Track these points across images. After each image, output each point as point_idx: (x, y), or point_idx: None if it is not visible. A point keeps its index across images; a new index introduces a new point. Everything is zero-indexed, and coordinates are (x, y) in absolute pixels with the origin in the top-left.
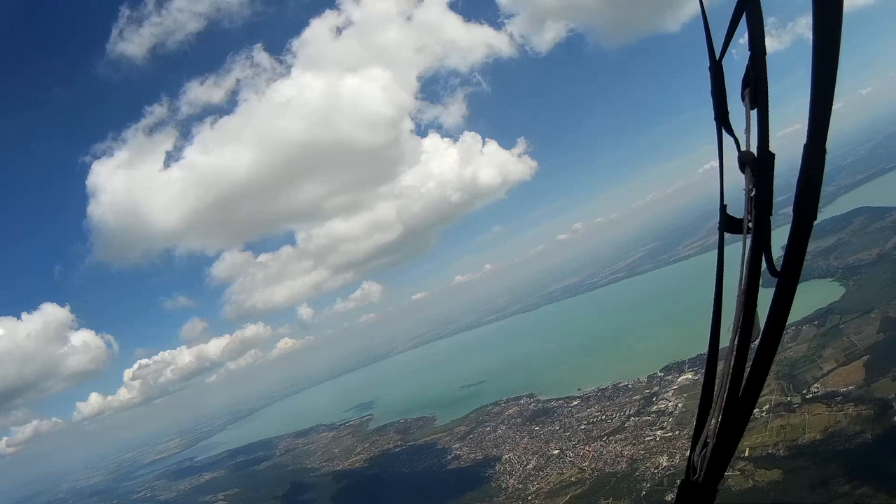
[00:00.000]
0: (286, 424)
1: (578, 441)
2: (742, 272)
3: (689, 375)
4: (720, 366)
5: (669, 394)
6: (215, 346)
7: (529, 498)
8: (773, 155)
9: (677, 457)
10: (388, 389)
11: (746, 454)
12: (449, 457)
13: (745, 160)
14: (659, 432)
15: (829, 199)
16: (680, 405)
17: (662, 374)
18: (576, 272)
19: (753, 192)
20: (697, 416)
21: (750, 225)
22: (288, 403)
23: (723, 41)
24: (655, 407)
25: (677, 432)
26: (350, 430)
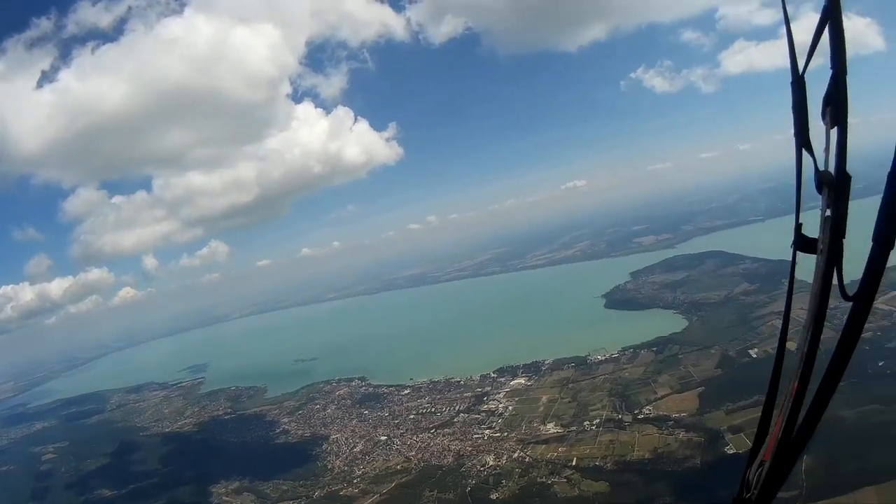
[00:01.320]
0: (120, 378)
1: (407, 430)
2: (813, 293)
3: (521, 380)
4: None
5: (501, 395)
6: (58, 287)
7: (355, 481)
8: (849, 177)
9: (504, 457)
10: (222, 354)
11: (574, 463)
12: (277, 430)
13: (822, 180)
14: (487, 431)
15: (687, 237)
16: (510, 407)
17: (495, 375)
18: (422, 263)
19: (829, 213)
20: (756, 433)
21: (823, 247)
22: (124, 356)
23: (806, 56)
24: (486, 406)
25: (506, 433)
26: (182, 391)
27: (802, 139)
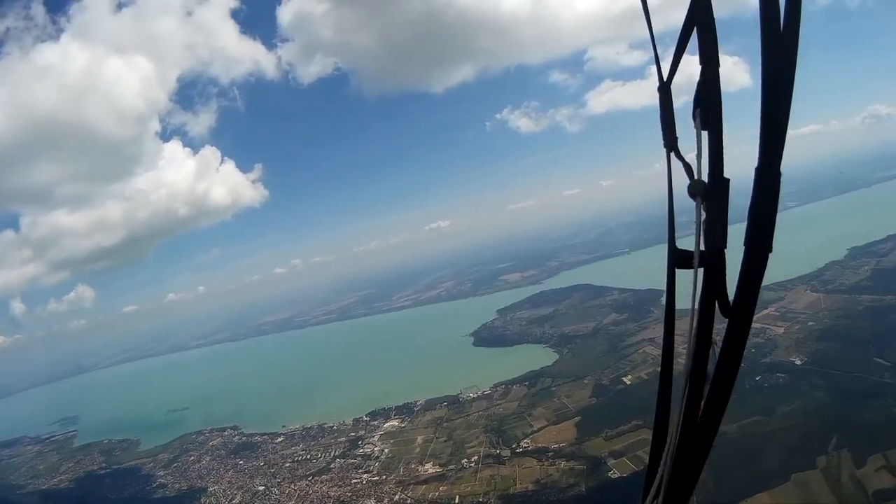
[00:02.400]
0: None
1: (284, 479)
2: (693, 311)
3: (395, 422)
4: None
5: (375, 438)
6: None
7: None
8: (727, 181)
9: (385, 500)
10: (93, 404)
11: (457, 501)
12: (154, 484)
13: (695, 189)
14: (365, 475)
15: (553, 272)
16: (386, 450)
17: (368, 418)
18: (288, 307)
19: (704, 223)
20: (649, 463)
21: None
22: None
23: (671, 61)
24: (361, 450)
25: (384, 476)
26: (55, 445)
27: (671, 146)
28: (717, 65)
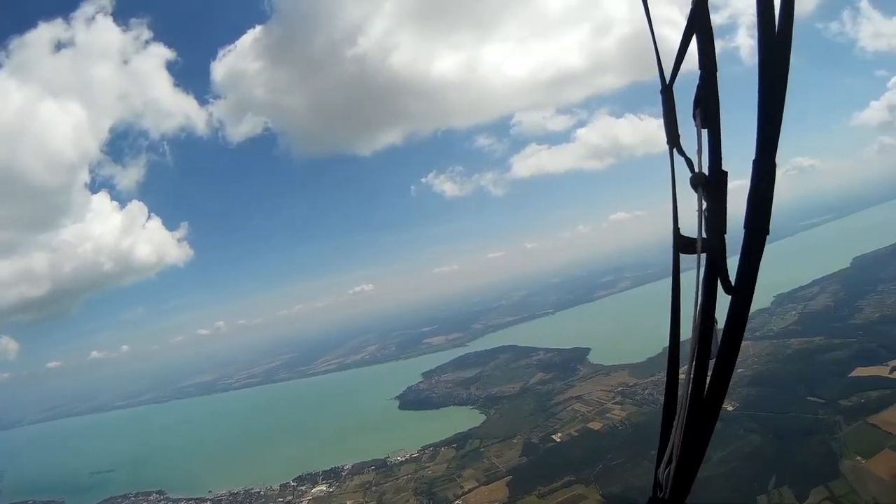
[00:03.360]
0: None
1: None
2: (697, 292)
3: (323, 487)
4: (680, 385)
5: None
6: None
7: None
8: (725, 173)
9: None
10: (17, 463)
11: None
12: None
13: (697, 181)
14: None
15: (478, 334)
16: None
17: (295, 483)
18: (212, 370)
19: (706, 212)
20: (661, 434)
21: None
22: None
23: (673, 64)
24: None
25: None
26: None
27: (674, 143)
28: (715, 68)
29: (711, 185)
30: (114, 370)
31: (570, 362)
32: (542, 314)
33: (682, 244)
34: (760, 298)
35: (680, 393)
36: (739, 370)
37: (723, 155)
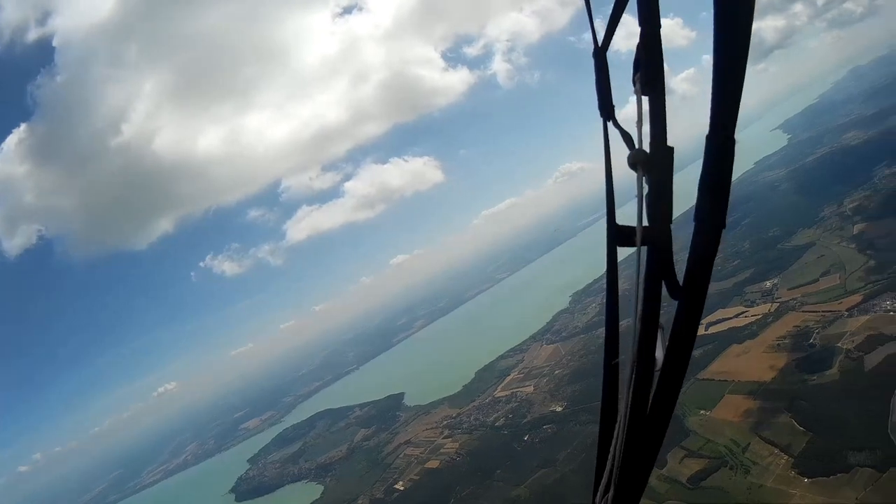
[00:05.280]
0: None
1: None
2: (637, 293)
3: None
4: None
5: None
6: None
7: None
8: (671, 149)
9: None
10: None
11: None
12: None
13: (636, 159)
14: None
15: (290, 407)
16: None
17: None
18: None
19: (647, 196)
20: (597, 457)
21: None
22: None
23: (607, 24)
24: None
25: None
26: None
27: (608, 115)
28: (659, 24)
29: (654, 164)
30: None
31: (388, 411)
32: (347, 372)
33: (620, 235)
34: (557, 301)
35: (620, 410)
36: (556, 371)
37: (668, 128)
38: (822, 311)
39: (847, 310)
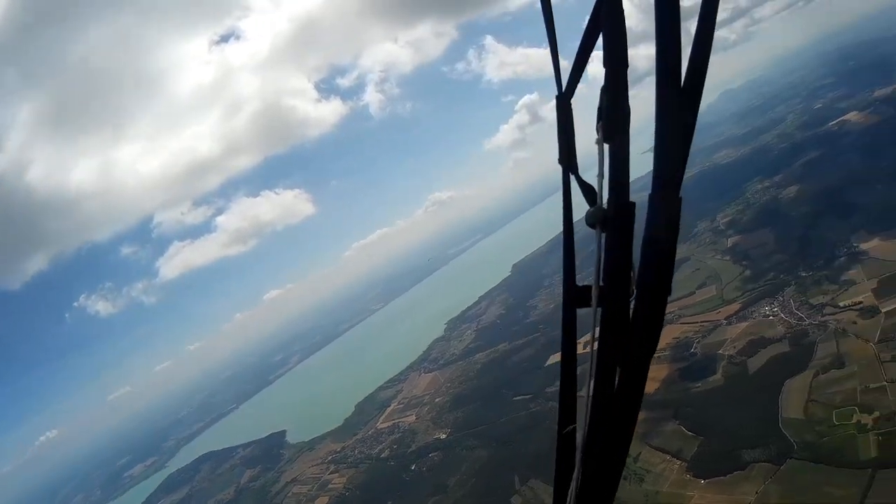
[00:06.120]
0: None
1: None
2: (592, 352)
3: None
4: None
5: None
6: None
7: None
8: (632, 205)
9: None
10: None
11: None
12: None
13: (594, 219)
14: None
15: (172, 452)
16: None
17: None
18: None
19: (604, 256)
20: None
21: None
22: None
23: (571, 68)
24: None
25: None
26: None
27: (569, 166)
28: (626, 65)
29: (613, 223)
30: None
31: (272, 449)
32: (227, 412)
33: (576, 295)
34: (433, 329)
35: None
36: (437, 399)
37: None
38: (701, 322)
39: (726, 318)
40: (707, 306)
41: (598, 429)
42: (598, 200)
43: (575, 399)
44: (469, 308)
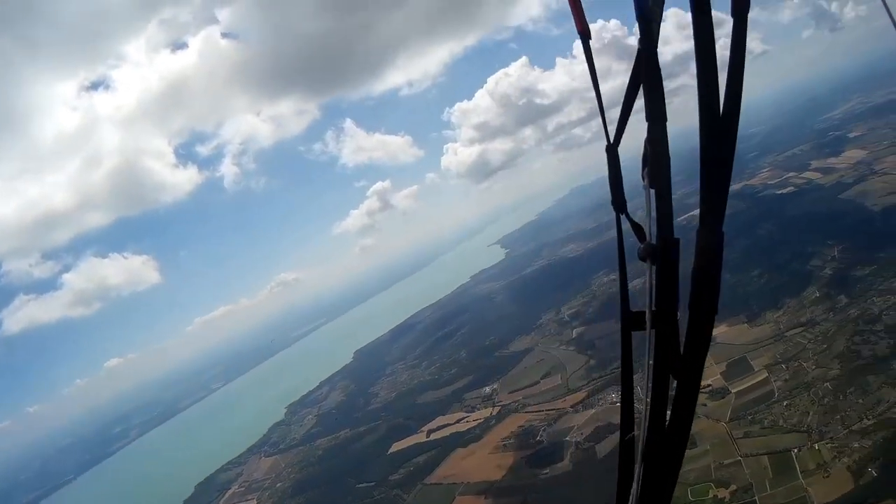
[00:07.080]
0: None
1: None
2: (648, 373)
3: None
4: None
5: None
6: None
7: None
8: (676, 241)
9: None
10: None
11: None
12: None
13: (645, 253)
14: None
15: None
16: None
17: None
18: None
19: (655, 285)
20: None
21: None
22: None
23: (618, 120)
24: None
25: None
26: None
27: (620, 208)
28: (665, 119)
29: (661, 257)
30: None
31: None
32: (65, 482)
33: (631, 320)
34: (273, 412)
35: (635, 475)
36: (278, 484)
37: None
38: (546, 410)
39: (572, 406)
40: (552, 395)
41: (656, 436)
42: (647, 237)
43: (633, 409)
44: (310, 392)
